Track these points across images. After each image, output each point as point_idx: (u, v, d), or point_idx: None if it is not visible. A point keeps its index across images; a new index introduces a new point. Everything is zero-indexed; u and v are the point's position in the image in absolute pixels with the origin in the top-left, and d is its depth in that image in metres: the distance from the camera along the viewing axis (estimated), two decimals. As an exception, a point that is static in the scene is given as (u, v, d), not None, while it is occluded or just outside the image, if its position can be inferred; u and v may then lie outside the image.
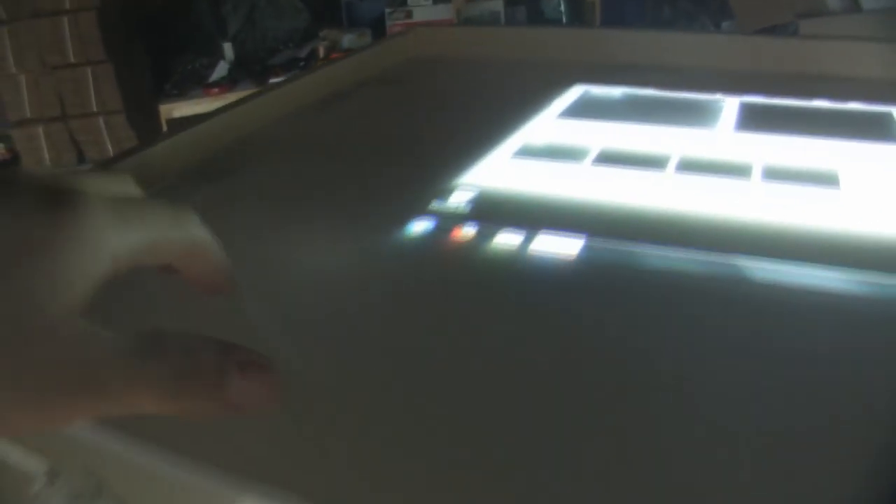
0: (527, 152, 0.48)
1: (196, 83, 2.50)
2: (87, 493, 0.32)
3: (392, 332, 0.31)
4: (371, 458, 0.24)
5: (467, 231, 0.37)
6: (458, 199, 0.41)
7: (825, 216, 0.38)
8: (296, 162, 0.50)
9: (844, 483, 0.22)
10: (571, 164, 0.46)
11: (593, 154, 0.47)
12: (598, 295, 0.33)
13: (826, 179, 0.43)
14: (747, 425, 0.25)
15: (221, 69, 2.71)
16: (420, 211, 0.39)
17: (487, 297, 0.32)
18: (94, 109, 2.13)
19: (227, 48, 2.75)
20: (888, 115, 0.52)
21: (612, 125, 0.52)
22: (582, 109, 0.56)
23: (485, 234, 0.37)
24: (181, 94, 2.44)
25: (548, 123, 0.53)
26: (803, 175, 0.43)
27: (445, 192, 0.41)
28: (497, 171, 0.45)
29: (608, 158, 0.46)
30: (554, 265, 0.34)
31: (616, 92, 0.60)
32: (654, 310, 0.32)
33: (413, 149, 0.51)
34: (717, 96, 0.57)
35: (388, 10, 2.58)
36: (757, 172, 0.43)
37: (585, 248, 0.35)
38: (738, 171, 0.44)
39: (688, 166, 0.45)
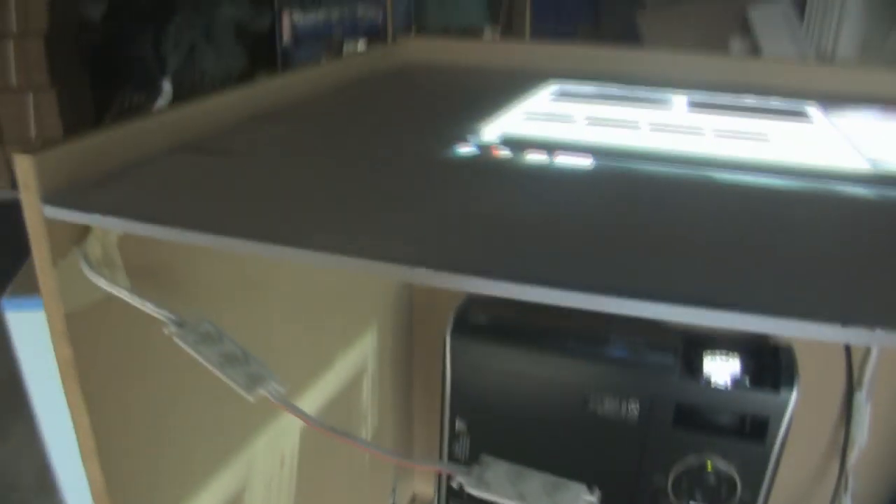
0: (529, 117, 0.59)
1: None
2: (213, 337, 0.39)
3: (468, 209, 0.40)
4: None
5: (503, 152, 0.47)
6: (488, 136, 0.51)
7: (763, 153, 0.51)
8: (337, 117, 0.59)
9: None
10: (568, 124, 0.57)
11: (582, 119, 0.58)
12: (610, 185, 0.43)
13: (761, 137, 0.55)
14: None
15: (159, 105, 2.76)
16: (458, 141, 0.50)
17: (531, 182, 0.43)
18: (33, 136, 2.13)
19: (166, 84, 2.80)
20: (801, 108, 0.67)
21: (591, 105, 0.64)
22: (562, 96, 0.68)
23: (517, 154, 0.47)
24: (120, 125, 2.46)
25: (539, 102, 0.65)
26: (744, 134, 0.56)
27: (474, 133, 0.52)
28: (510, 125, 0.56)
29: (595, 121, 0.58)
30: (576, 169, 0.45)
31: (587, 88, 0.72)
32: (652, 195, 0.42)
33: (433, 114, 0.61)
34: (668, 94, 0.70)
35: (323, 59, 2.72)
36: (709, 132, 0.56)
37: (595, 163, 0.46)
38: (695, 131, 0.56)
39: (657, 128, 0.57)
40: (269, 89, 0.60)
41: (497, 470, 0.35)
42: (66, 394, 0.41)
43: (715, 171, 0.46)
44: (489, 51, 0.84)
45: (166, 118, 0.50)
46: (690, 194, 0.43)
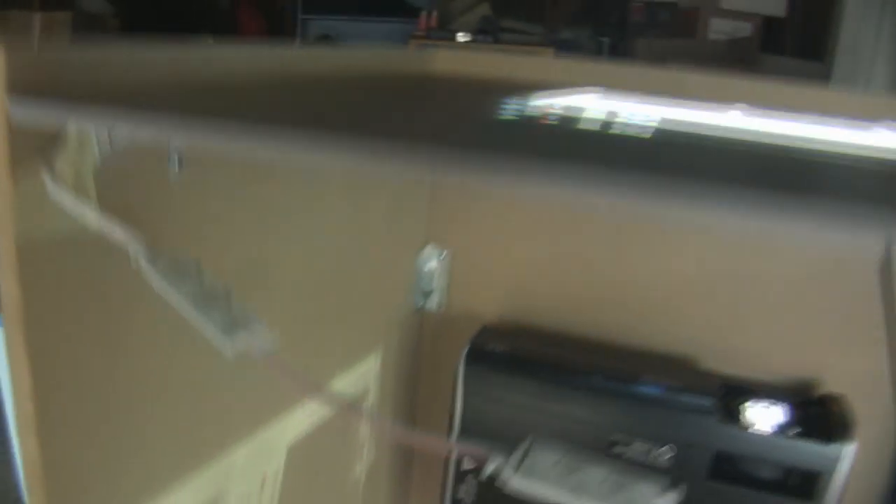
0: (576, 101, 0.53)
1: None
2: (190, 272, 0.32)
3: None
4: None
5: (552, 119, 0.41)
6: (534, 107, 0.45)
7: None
8: (360, 89, 0.53)
9: None
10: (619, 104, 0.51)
11: (633, 103, 0.53)
12: (673, 142, 0.37)
13: (830, 134, 0.49)
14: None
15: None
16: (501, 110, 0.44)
17: (580, 138, 0.36)
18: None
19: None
20: (866, 124, 0.61)
21: (639, 104, 0.59)
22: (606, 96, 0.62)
23: (567, 121, 0.41)
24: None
25: (583, 96, 0.59)
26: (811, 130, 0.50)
27: (519, 105, 0.46)
28: (556, 102, 0.50)
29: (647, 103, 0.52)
30: (635, 133, 0.39)
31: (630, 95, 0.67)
32: (720, 148, 0.36)
33: (468, 98, 0.56)
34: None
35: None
36: (773, 127, 0.50)
37: (656, 130, 0.40)
38: (756, 125, 0.50)
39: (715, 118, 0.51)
40: (282, 57, 0.55)
41: (544, 457, 0.27)
42: (7, 344, 0.33)
43: (786, 143, 0.40)
44: (516, 64, 0.79)
45: (168, 53, 0.44)
46: (759, 152, 0.36)
